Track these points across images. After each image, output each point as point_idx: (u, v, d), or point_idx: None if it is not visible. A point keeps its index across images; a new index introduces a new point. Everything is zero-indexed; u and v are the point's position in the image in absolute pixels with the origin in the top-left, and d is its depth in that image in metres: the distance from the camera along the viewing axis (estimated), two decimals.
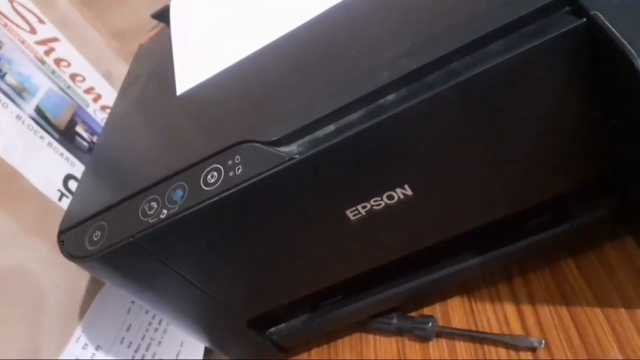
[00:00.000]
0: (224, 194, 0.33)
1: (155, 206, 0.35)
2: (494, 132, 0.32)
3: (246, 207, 0.34)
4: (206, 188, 0.34)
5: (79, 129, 0.63)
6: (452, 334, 0.43)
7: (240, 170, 0.33)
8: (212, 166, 0.35)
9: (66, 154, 0.59)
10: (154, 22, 0.62)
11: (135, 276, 0.38)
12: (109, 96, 0.68)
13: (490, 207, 0.37)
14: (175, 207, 0.34)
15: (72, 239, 0.38)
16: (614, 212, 0.38)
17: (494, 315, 0.42)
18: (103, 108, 0.68)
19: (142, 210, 0.36)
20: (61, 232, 0.39)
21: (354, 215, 0.36)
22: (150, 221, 0.35)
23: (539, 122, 0.32)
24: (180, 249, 0.36)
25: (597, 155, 0.34)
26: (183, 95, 0.44)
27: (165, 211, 0.35)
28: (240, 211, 0.34)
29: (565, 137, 0.33)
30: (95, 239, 0.37)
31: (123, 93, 0.53)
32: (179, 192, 0.35)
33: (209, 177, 0.34)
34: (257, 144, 0.34)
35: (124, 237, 0.35)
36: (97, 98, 0.68)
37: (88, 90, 0.67)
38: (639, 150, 0.31)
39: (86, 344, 0.51)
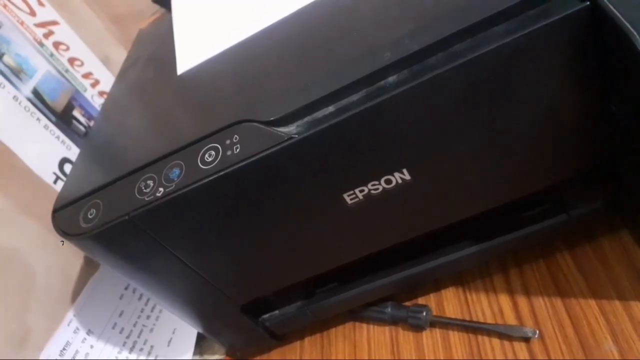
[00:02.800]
0: (221, 173, 0.33)
1: (152, 184, 0.35)
2: (494, 116, 0.32)
3: (243, 187, 0.34)
4: (203, 167, 0.34)
5: (76, 113, 0.63)
6: (446, 324, 0.42)
7: (238, 150, 0.33)
8: (210, 145, 0.34)
9: (62, 137, 0.59)
10: (154, 7, 0.61)
11: (129, 255, 0.38)
12: (107, 82, 0.68)
13: (488, 194, 0.37)
14: (171, 185, 0.34)
15: (66, 216, 0.38)
16: (610, 203, 0.38)
17: (489, 305, 0.42)
18: (101, 93, 0.67)
19: (138, 189, 0.35)
20: (55, 210, 0.39)
21: (351, 200, 0.36)
22: (146, 199, 0.34)
23: (539, 107, 0.32)
24: (175, 228, 0.36)
25: (596, 143, 0.34)
26: (183, 75, 0.43)
27: (161, 189, 0.34)
28: (237, 191, 0.34)
29: (565, 123, 0.33)
30: (90, 216, 0.36)
31: (121, 76, 0.53)
32: (176, 171, 0.35)
33: (206, 156, 0.34)
34: (255, 124, 0.33)
35: (119, 214, 0.35)
36: (95, 83, 0.68)
37: (86, 75, 0.67)
38: (638, 138, 0.31)
39: (77, 328, 0.50)
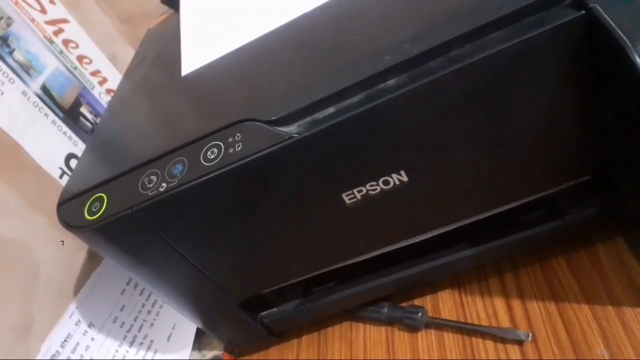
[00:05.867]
0: (223, 170, 0.34)
1: (155, 179, 0.36)
2: (491, 121, 0.33)
3: (244, 184, 0.35)
4: (206, 164, 0.34)
5: (84, 109, 0.64)
6: (441, 325, 0.43)
7: (240, 148, 0.34)
8: (213, 143, 0.35)
9: (69, 133, 0.60)
10: (163, 8, 0.62)
11: (131, 249, 0.38)
12: (115, 80, 0.69)
13: (484, 198, 0.38)
14: (174, 181, 0.35)
15: (71, 209, 0.38)
16: (605, 210, 0.39)
17: (484, 308, 0.43)
18: (108, 91, 0.68)
19: (141, 183, 0.36)
20: (60, 203, 0.40)
21: (349, 199, 0.36)
22: (150, 194, 0.35)
23: (536, 113, 0.32)
24: (177, 223, 0.37)
25: (591, 151, 0.35)
26: (188, 75, 0.44)
27: (164, 185, 0.35)
28: (238, 188, 0.35)
29: (560, 130, 0.33)
30: (94, 209, 0.37)
31: (128, 75, 0.54)
32: (179, 167, 0.35)
33: (209, 153, 0.35)
34: (257, 123, 0.34)
35: (122, 208, 0.36)
36: (103, 81, 0.69)
37: (94, 73, 0.68)
38: (633, 146, 0.32)
39: (79, 320, 0.51)
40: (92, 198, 0.38)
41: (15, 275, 0.48)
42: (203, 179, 0.34)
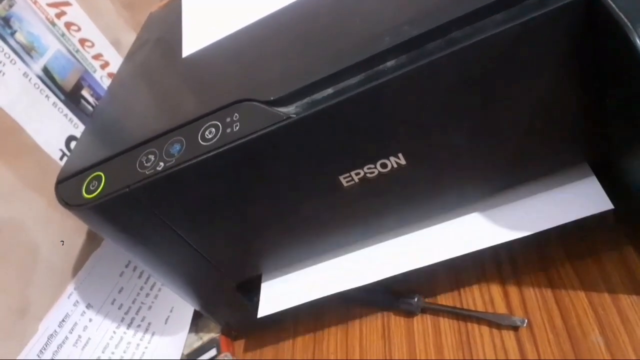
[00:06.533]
0: (220, 150, 0.34)
1: (153, 159, 0.36)
2: (490, 104, 0.33)
3: (241, 164, 0.35)
4: (203, 143, 0.34)
5: (85, 92, 0.64)
6: (436, 310, 0.43)
7: (237, 127, 0.34)
8: (211, 122, 0.35)
9: (70, 115, 0.60)
10: None
11: (128, 228, 0.39)
12: (117, 64, 0.69)
13: (482, 182, 0.38)
14: (172, 160, 0.35)
15: (69, 188, 0.39)
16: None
17: (480, 294, 0.43)
18: (110, 75, 0.68)
19: (139, 162, 0.36)
20: (59, 182, 0.40)
21: (347, 182, 0.36)
22: (147, 173, 0.35)
23: (534, 97, 0.32)
24: (174, 202, 0.37)
25: (591, 135, 0.35)
26: (188, 57, 0.44)
27: (162, 164, 0.35)
28: (236, 168, 0.35)
29: (559, 114, 0.33)
30: (92, 188, 0.37)
31: (129, 57, 0.54)
32: (177, 146, 0.35)
33: (207, 132, 0.35)
34: (255, 103, 0.34)
35: (120, 187, 0.36)
36: (105, 65, 0.69)
37: (96, 57, 0.68)
38: (631, 131, 0.32)
39: (77, 301, 0.51)
40: (90, 177, 0.38)
41: (13, 255, 0.48)
42: (200, 158, 0.34)
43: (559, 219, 0.37)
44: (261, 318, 0.47)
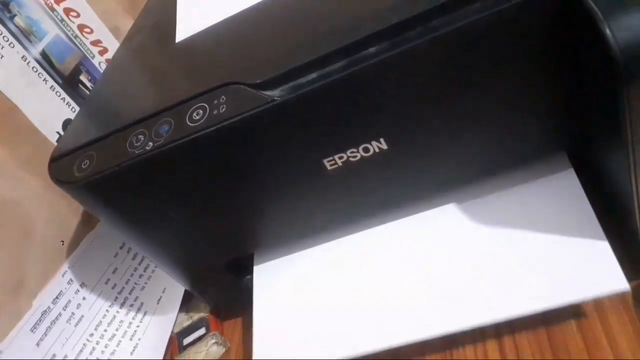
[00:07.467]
0: (207, 130, 0.35)
1: (142, 139, 0.37)
2: (468, 90, 0.34)
3: (227, 146, 0.36)
4: (191, 124, 0.36)
5: (83, 78, 0.65)
6: None
7: (224, 109, 0.35)
8: (199, 104, 0.36)
9: (68, 99, 0.61)
10: None
11: (119, 206, 0.40)
12: (115, 50, 0.70)
13: (463, 169, 0.39)
14: (160, 140, 0.36)
15: (62, 166, 0.40)
16: None
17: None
18: (108, 61, 0.69)
19: (129, 142, 0.37)
20: (52, 160, 0.41)
21: (330, 165, 0.38)
22: (137, 152, 0.36)
23: (512, 83, 0.33)
24: (163, 181, 0.38)
25: (569, 124, 0.36)
26: (181, 42, 0.45)
27: (151, 143, 0.36)
28: (222, 149, 0.36)
29: (536, 102, 0.34)
30: (83, 166, 0.38)
31: (125, 43, 0.55)
32: (165, 127, 0.37)
33: (194, 114, 0.36)
34: (242, 86, 0.35)
35: (110, 165, 0.37)
36: (104, 51, 0.70)
37: (95, 43, 0.69)
38: (607, 122, 0.33)
39: (71, 280, 0.53)
40: (82, 156, 0.39)
41: (9, 232, 0.50)
42: (187, 138, 0.35)
43: (570, 297, 0.36)
44: (250, 301, 0.48)
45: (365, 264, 0.43)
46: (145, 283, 0.58)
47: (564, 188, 0.39)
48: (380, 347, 0.39)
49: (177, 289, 0.56)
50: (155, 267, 0.59)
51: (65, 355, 0.49)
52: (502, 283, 0.38)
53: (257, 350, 0.43)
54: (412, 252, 0.42)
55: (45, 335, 0.48)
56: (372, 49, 0.33)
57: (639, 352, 0.35)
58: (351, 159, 0.37)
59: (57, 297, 0.50)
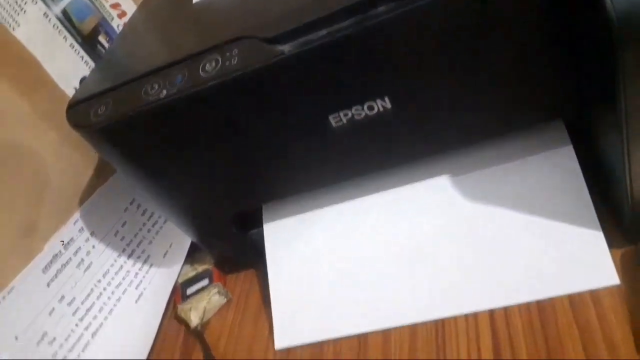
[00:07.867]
0: (218, 81, 0.36)
1: (157, 87, 0.39)
2: (471, 52, 0.35)
3: (238, 96, 0.38)
4: (203, 75, 0.37)
5: (101, 38, 0.67)
6: None
7: (236, 61, 0.37)
8: (212, 56, 0.38)
9: (86, 57, 0.63)
10: None
11: (132, 151, 0.42)
12: None
13: (463, 131, 0.40)
14: (174, 89, 0.38)
15: (79, 111, 0.42)
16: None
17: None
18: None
19: (144, 90, 0.39)
20: (70, 106, 0.43)
21: (336, 122, 0.39)
22: (151, 99, 0.38)
23: (513, 49, 0.35)
24: (175, 129, 0.40)
25: (566, 92, 0.37)
26: (198, 2, 0.47)
27: (165, 92, 0.38)
28: (233, 99, 0.38)
29: (536, 68, 0.36)
30: (99, 112, 0.40)
31: (143, 5, 0.57)
32: (179, 77, 0.38)
33: (207, 65, 0.38)
34: (254, 40, 0.37)
35: (125, 111, 0.39)
36: (122, 14, 0.71)
37: (114, 6, 0.70)
38: (604, 92, 0.34)
39: (82, 228, 0.55)
40: (98, 102, 0.41)
41: (24, 177, 0.52)
42: (199, 88, 0.37)
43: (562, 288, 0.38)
44: (253, 256, 0.50)
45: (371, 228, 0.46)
46: (153, 238, 0.61)
47: (561, 166, 0.40)
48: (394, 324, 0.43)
49: (183, 244, 0.58)
50: (164, 223, 0.61)
51: (74, 297, 0.51)
52: (494, 272, 0.41)
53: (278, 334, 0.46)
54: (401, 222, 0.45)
55: (56, 277, 0.50)
56: (381, 8, 0.34)
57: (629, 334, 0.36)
58: (356, 116, 0.39)
59: (68, 243, 0.53)
